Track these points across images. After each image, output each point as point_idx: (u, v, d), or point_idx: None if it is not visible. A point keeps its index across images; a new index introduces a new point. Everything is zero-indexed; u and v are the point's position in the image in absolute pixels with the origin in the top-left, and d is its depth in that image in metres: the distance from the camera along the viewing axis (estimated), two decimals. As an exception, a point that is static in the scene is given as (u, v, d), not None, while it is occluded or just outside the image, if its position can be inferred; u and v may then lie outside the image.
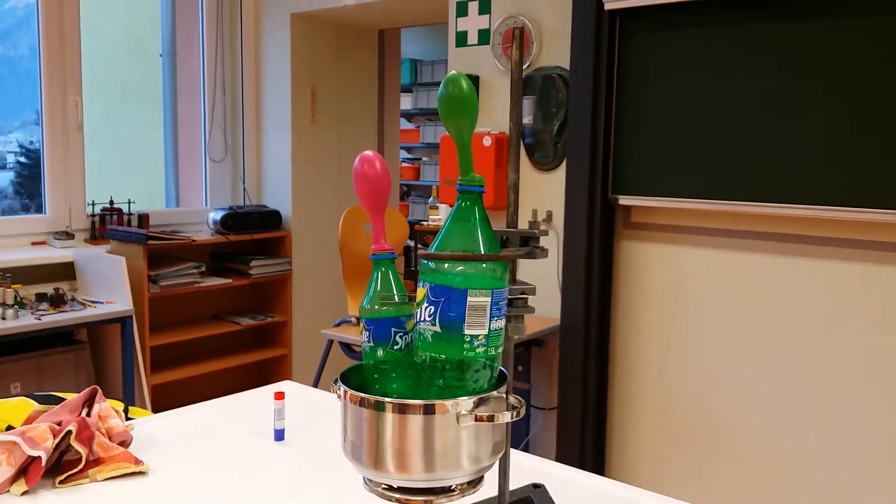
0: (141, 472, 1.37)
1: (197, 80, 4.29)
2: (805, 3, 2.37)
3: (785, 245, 2.56)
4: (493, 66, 3.19)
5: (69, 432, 1.33)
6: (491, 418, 0.83)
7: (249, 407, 1.67)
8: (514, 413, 0.86)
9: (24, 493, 1.27)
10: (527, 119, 3.09)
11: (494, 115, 3.23)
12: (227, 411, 1.65)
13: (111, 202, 3.90)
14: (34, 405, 1.51)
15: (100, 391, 1.49)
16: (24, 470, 1.30)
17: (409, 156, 7.87)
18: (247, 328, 4.02)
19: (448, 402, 0.82)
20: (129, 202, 3.94)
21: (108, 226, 3.82)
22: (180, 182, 4.48)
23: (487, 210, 3.22)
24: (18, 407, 1.54)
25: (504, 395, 0.90)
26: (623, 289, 2.93)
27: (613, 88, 2.77)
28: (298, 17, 4.05)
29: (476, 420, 0.83)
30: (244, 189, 4.28)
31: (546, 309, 3.11)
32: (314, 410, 1.65)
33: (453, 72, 0.84)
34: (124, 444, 1.46)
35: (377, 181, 0.95)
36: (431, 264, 0.84)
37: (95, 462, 1.37)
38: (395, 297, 0.93)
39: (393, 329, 0.92)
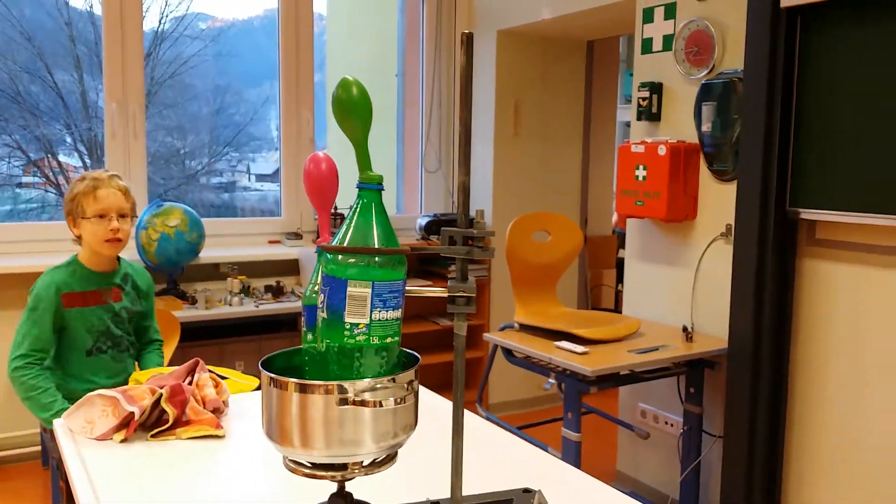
0: (218, 436, 1.58)
1: (418, 97, 4.62)
2: None
3: None
4: (675, 72, 3.07)
5: (161, 395, 1.57)
6: (363, 403, 0.88)
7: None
8: (397, 400, 0.90)
9: (123, 440, 1.53)
10: (706, 127, 2.92)
11: (675, 123, 3.09)
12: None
13: (335, 208, 4.34)
14: (154, 371, 1.79)
15: (201, 362, 1.73)
16: (128, 423, 1.56)
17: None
18: (446, 329, 4.24)
19: (325, 384, 0.89)
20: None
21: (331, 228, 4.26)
22: (405, 191, 4.85)
23: (662, 221, 3.10)
24: (150, 372, 1.84)
25: (402, 383, 0.93)
26: (805, 312, 2.65)
27: (793, 92, 2.53)
28: (504, 33, 4.20)
29: (351, 404, 0.89)
30: (452, 198, 4.52)
31: (720, 328, 2.91)
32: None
33: (346, 76, 0.91)
34: (217, 411, 1.68)
35: (320, 179, 1.03)
36: (329, 256, 0.92)
37: (185, 423, 1.61)
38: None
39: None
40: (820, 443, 2.64)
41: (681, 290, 3.13)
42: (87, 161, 4.35)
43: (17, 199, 4.21)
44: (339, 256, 0.90)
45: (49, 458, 3.42)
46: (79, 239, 2.34)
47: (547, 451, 2.80)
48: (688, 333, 2.88)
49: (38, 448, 3.62)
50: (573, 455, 2.61)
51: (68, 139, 4.25)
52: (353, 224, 0.91)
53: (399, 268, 0.91)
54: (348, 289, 0.88)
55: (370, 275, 0.89)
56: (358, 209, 0.92)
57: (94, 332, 2.30)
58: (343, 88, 0.90)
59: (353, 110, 0.90)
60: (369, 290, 0.89)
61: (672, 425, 3.21)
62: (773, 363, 2.66)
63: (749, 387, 2.64)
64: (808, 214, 2.56)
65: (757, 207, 2.58)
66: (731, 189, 2.87)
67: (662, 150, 2.94)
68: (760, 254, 2.60)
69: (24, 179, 4.21)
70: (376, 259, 0.89)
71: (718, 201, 2.94)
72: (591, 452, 3.85)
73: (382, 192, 0.93)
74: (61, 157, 4.30)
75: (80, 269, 2.31)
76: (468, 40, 1.03)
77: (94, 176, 2.33)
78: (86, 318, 2.28)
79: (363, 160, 0.92)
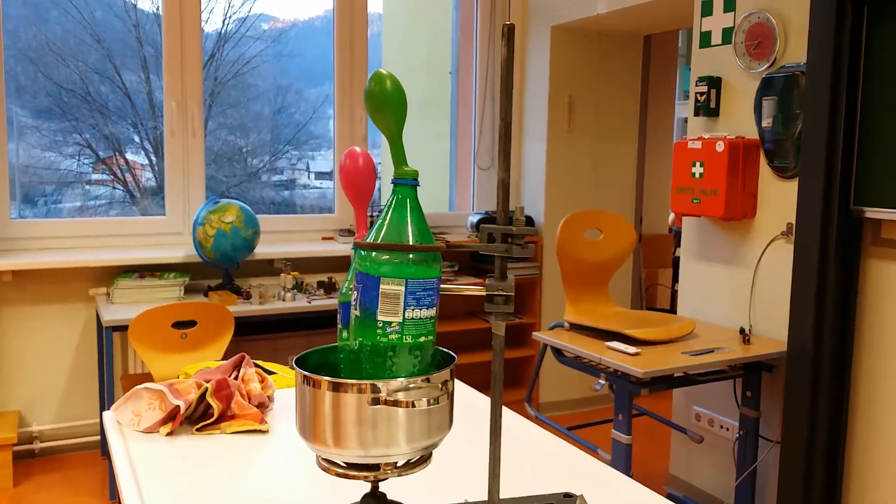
0: (262, 431, 1.59)
1: (471, 94, 4.59)
2: None
3: None
4: (734, 65, 2.97)
5: (206, 389, 1.59)
6: (396, 403, 0.87)
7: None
8: (431, 401, 0.88)
9: (168, 433, 1.55)
10: (766, 122, 2.83)
11: (734, 119, 3.00)
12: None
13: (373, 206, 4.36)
14: (202, 365, 1.81)
15: (247, 357, 1.75)
16: (174, 416, 1.58)
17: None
18: (496, 328, 4.20)
19: (357, 383, 0.88)
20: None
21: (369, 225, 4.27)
22: (458, 188, 4.83)
23: (719, 219, 3.01)
24: (198, 365, 1.86)
25: (436, 383, 0.92)
26: (869, 315, 2.54)
27: (859, 86, 2.43)
28: (558, 28, 4.14)
29: (384, 404, 0.87)
30: (505, 195, 4.48)
31: (779, 331, 2.81)
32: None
33: (379, 70, 0.89)
34: (262, 406, 1.69)
35: (357, 175, 1.02)
36: (362, 252, 0.90)
37: (230, 417, 1.62)
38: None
39: (354, 314, 0.99)
40: (882, 450, 2.53)
41: (738, 291, 3.04)
42: (153, 159, 4.45)
43: (87, 196, 4.34)
44: (373, 253, 0.88)
45: (107, 449, 3.52)
46: None
47: (597, 452, 2.76)
48: (745, 335, 2.79)
49: (97, 438, 3.72)
50: (623, 458, 2.56)
51: (135, 138, 4.36)
52: (387, 220, 0.90)
53: (434, 265, 0.89)
54: (381, 286, 0.87)
55: (404, 272, 0.87)
56: (392, 205, 0.90)
57: None
58: (376, 82, 0.88)
59: (387, 104, 0.88)
60: (402, 288, 0.87)
61: (727, 429, 3.12)
62: (834, 367, 2.56)
63: (808, 391, 2.55)
64: (873, 213, 2.45)
65: (819, 206, 2.48)
66: (792, 186, 2.78)
67: (720, 147, 2.85)
68: (822, 254, 2.50)
69: (94, 177, 4.33)
70: (410, 256, 0.87)
71: (779, 199, 2.84)
72: (643, 455, 3.77)
73: (418, 187, 0.91)
74: (128, 155, 4.41)
75: None
76: (509, 32, 1.00)
77: None
78: None
79: (398, 155, 0.90)
